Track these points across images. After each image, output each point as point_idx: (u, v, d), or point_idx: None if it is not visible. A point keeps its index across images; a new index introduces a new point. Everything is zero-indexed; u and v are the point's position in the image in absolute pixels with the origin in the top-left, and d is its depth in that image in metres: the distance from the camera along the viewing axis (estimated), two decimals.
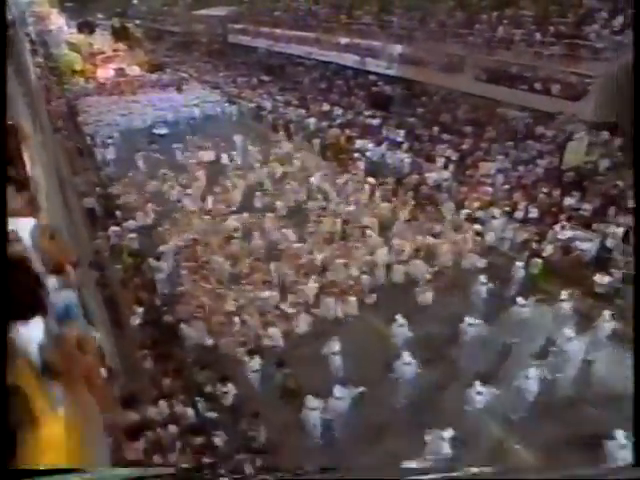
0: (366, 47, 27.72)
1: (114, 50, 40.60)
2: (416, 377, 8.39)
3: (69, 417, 1.66)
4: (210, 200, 15.93)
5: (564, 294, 10.82)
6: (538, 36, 19.28)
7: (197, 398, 7.44)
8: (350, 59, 28.74)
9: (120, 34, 42.96)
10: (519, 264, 11.93)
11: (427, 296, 10.96)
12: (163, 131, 25.91)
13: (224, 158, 20.24)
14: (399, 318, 9.62)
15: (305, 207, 15.51)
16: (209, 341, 9.23)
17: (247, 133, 23.28)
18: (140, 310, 9.24)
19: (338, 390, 7.66)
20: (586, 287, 11.77)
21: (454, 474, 2.11)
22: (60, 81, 35.07)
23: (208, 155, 20.61)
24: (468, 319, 9.88)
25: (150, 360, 7.97)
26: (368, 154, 18.85)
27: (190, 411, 7.19)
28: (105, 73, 37.38)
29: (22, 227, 2.06)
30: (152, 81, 36.40)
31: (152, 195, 16.54)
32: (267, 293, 10.60)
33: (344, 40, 29.40)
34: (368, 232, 13.37)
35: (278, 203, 15.71)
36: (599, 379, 9.57)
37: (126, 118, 27.40)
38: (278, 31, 35.76)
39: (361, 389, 7.83)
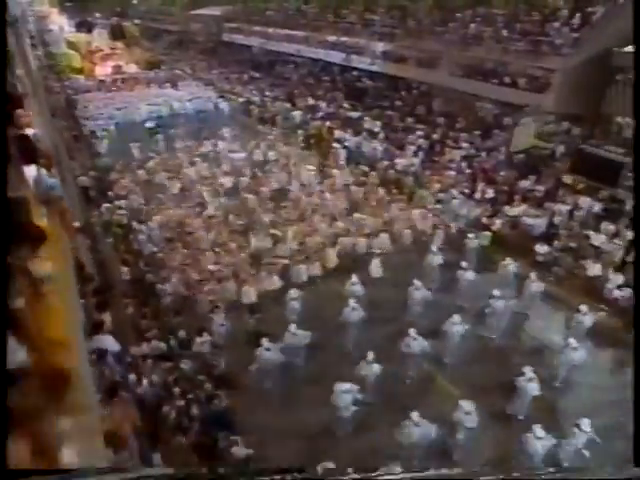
0: (351, 45, 29.03)
1: (112, 48, 41.97)
2: (362, 323, 9.72)
3: (51, 227, 2.96)
4: (197, 185, 17.30)
5: (508, 261, 12.13)
6: (506, 33, 20.64)
7: (169, 336, 8.77)
8: (336, 56, 30.08)
9: (118, 33, 44.33)
10: (471, 236, 13.26)
11: (379, 266, 12.24)
12: (157, 124, 27.18)
13: (212, 149, 21.56)
14: (354, 277, 10.95)
15: (284, 190, 16.84)
16: (184, 294, 10.59)
17: (236, 126, 24.67)
18: (126, 269, 10.59)
19: (293, 327, 9.00)
20: (530, 257, 13.09)
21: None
22: (59, 78, 36.37)
23: (198, 146, 21.94)
24: (417, 283, 11.16)
25: (131, 307, 9.32)
26: (346, 143, 20.18)
27: (162, 344, 8.51)
28: (103, 70, 38.76)
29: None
30: (149, 78, 37.68)
31: (142, 180, 17.88)
32: (242, 257, 11.95)
33: (331, 38, 30.76)
34: (338, 210, 14.73)
35: (261, 188, 17.05)
36: (526, 331, 10.89)
37: (122, 112, 28.69)
38: (270, 30, 37.15)
39: (311, 332, 9.16)
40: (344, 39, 29.63)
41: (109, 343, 5.53)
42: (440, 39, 23.33)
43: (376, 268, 12.18)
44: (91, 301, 6.16)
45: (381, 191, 16.08)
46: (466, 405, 7.72)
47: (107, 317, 6.16)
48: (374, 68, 27.45)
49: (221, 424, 7.02)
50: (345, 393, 7.67)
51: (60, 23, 43.52)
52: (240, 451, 6.65)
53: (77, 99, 30.73)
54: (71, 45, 40.38)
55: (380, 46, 27.25)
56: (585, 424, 7.71)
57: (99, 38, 42.31)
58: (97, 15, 50.16)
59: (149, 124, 26.94)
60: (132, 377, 7.29)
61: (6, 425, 1.26)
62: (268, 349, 8.89)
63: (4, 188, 2.12)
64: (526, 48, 19.87)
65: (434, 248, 12.45)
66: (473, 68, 21.93)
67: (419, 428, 6.97)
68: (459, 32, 22.53)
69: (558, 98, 19.03)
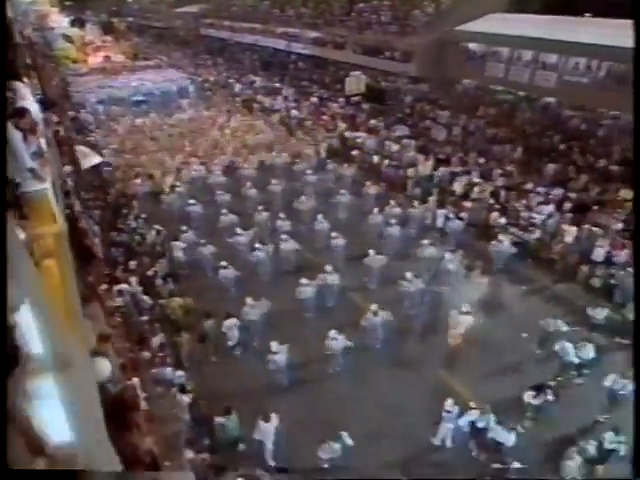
0: (291, 34, 35.99)
1: (103, 41, 49.19)
2: (221, 185, 16.70)
3: None
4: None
5: (345, 166, 18.88)
6: (384, 19, 27.51)
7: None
8: (281, 44, 37.05)
9: (108, 28, 51.57)
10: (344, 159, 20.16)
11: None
12: (135, 99, 34.18)
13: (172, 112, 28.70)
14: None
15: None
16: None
17: (194, 98, 31.79)
18: None
19: (180, 187, 16.00)
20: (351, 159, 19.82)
21: None
22: (57, 66, 43.42)
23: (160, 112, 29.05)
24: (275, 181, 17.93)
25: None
26: (266, 104, 27.20)
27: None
28: (95, 60, 45.94)
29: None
30: (133, 66, 44.82)
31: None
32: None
33: (278, 29, 37.72)
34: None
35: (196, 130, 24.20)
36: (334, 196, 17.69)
37: (106, 90, 35.74)
38: (235, 24, 44.23)
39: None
40: (286, 30, 36.57)
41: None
42: (346, 26, 30.26)
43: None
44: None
45: (282, 130, 23.28)
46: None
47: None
48: (306, 52, 34.42)
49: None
50: (193, 206, 14.78)
51: (59, 20, 50.69)
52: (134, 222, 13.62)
53: (70, 80, 37.79)
54: (67, 39, 47.54)
55: (311, 34, 34.17)
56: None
57: (91, 33, 49.54)
58: (88, 13, 57.33)
59: (130, 99, 33.97)
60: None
61: (6, 425, 1.24)
62: (172, 192, 15.99)
63: (4, 186, 2.20)
64: (398, 30, 26.72)
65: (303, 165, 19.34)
66: (366, 47, 28.80)
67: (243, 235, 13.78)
68: (357, 20, 29.43)
69: (418, 66, 25.87)
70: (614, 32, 19.01)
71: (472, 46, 23.54)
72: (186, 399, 7.35)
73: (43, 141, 4.64)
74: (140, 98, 34.12)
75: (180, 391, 7.39)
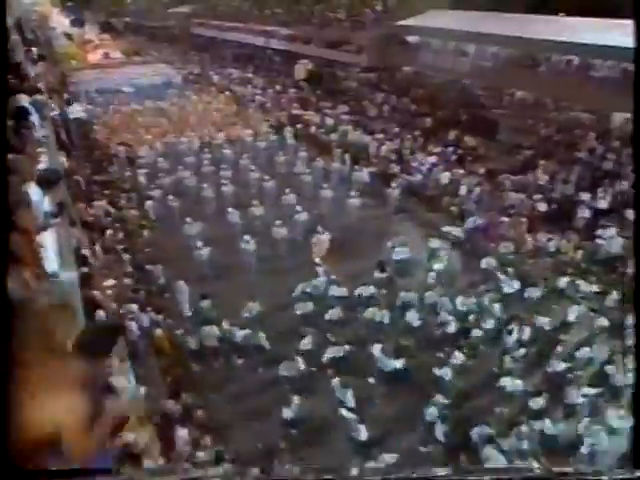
0: (269, 31, 40.05)
1: (101, 40, 53.44)
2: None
3: None
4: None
5: (289, 136, 22.92)
6: (340, 16, 31.51)
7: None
8: (260, 40, 41.15)
9: (106, 27, 55.84)
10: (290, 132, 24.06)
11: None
12: (129, 90, 38.28)
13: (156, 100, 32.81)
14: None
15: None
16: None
17: (177, 88, 35.95)
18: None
19: (147, 155, 20.04)
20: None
21: None
22: (56, 63, 47.56)
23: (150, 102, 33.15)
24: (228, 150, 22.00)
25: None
26: (237, 92, 31.34)
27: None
28: (94, 57, 50.15)
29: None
30: (128, 61, 49.01)
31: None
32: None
33: (257, 27, 41.81)
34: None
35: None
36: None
37: (102, 82, 39.91)
38: (222, 23, 48.42)
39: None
40: (264, 28, 40.63)
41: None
42: (311, 23, 34.27)
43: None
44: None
45: (251, 112, 27.39)
46: None
47: None
48: (281, 47, 38.46)
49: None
50: (160, 164, 18.74)
51: (60, 21, 54.94)
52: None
53: (69, 73, 41.97)
54: (68, 37, 51.76)
55: (284, 31, 38.20)
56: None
57: (90, 32, 53.78)
58: (87, 13, 61.69)
59: (123, 89, 38.07)
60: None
61: (6, 424, 1.26)
62: (146, 157, 20.03)
63: (4, 183, 2.31)
64: (351, 26, 30.68)
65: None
66: (327, 42, 32.76)
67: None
68: (319, 18, 33.45)
69: (368, 57, 29.78)
70: (516, 24, 23.02)
71: (409, 38, 27.47)
72: (128, 256, 11.34)
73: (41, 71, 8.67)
74: (131, 90, 38.29)
75: (123, 252, 11.39)
